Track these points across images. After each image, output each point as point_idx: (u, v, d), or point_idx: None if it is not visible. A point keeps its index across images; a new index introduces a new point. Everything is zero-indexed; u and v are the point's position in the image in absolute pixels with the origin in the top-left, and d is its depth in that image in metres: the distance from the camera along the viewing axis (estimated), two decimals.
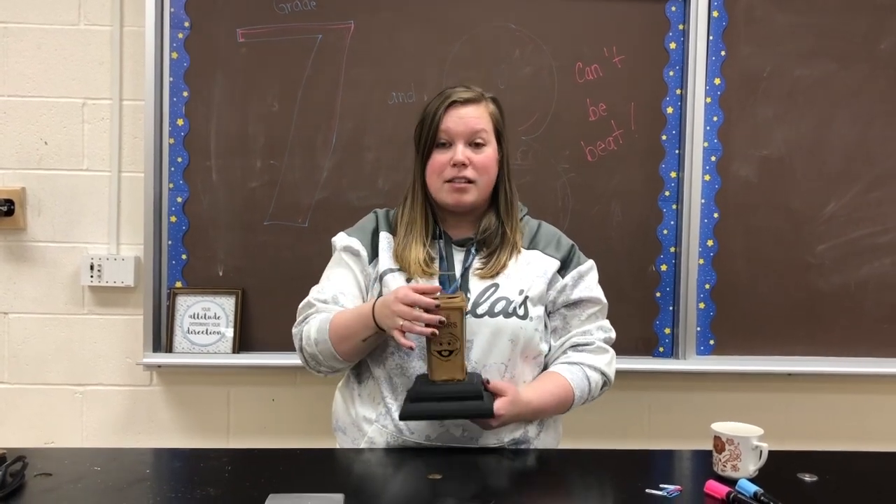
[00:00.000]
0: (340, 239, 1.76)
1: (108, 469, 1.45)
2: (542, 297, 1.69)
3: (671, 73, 2.35)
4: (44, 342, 2.38)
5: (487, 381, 1.56)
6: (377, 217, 1.78)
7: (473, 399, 1.51)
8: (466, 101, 1.69)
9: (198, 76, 2.30)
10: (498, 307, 1.64)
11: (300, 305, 1.73)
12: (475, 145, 1.67)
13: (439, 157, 1.67)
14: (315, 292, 1.72)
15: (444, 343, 1.50)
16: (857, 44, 2.37)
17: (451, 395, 1.50)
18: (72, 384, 2.39)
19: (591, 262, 1.77)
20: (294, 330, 1.72)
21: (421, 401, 1.51)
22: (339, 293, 1.69)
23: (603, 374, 1.71)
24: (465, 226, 1.74)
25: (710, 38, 2.34)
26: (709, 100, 2.35)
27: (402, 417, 1.53)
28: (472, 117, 1.68)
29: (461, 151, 1.65)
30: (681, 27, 2.34)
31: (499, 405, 1.53)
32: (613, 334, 1.76)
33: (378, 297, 1.60)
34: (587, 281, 1.74)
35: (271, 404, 2.42)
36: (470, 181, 1.66)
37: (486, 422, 1.56)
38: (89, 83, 2.34)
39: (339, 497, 1.00)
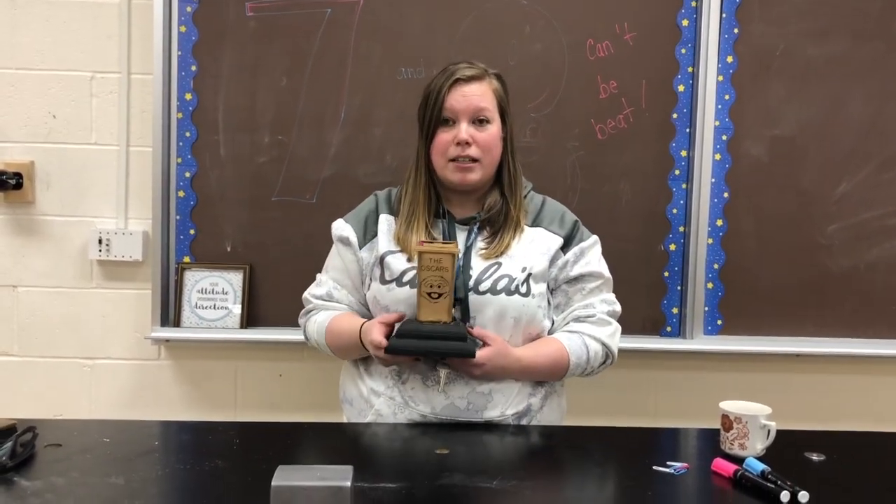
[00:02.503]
0: (336, 227, 1.80)
1: (117, 441, 1.46)
2: (544, 275, 1.69)
3: (683, 51, 2.33)
4: (53, 316, 2.39)
5: (472, 326, 1.61)
6: (377, 199, 1.80)
7: (457, 340, 1.56)
8: (470, 79, 1.68)
9: (206, 50, 2.29)
10: (500, 285, 1.64)
11: (303, 295, 1.83)
12: (479, 123, 1.67)
13: (443, 136, 1.67)
14: (314, 286, 1.81)
15: (434, 285, 1.55)
16: (872, 22, 2.33)
17: (435, 334, 1.56)
18: (81, 357, 2.40)
19: (594, 238, 1.77)
20: (300, 321, 1.84)
21: (407, 338, 1.57)
22: (333, 288, 1.78)
23: (604, 345, 1.70)
24: (468, 204, 1.74)
25: (723, 15, 2.31)
26: (721, 78, 2.33)
27: (388, 351, 1.56)
28: (475, 95, 1.67)
29: (465, 130, 1.65)
30: (693, 4, 2.31)
31: (482, 353, 1.57)
32: (618, 307, 1.76)
33: (364, 323, 1.66)
34: (589, 256, 1.73)
35: (278, 380, 2.43)
36: (474, 160, 1.66)
37: (469, 369, 1.59)
38: (98, 57, 2.33)
39: (349, 469, 1.00)
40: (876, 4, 2.33)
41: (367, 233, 1.75)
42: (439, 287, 1.55)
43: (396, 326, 1.60)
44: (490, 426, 1.62)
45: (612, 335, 1.73)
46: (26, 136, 2.33)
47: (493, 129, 1.68)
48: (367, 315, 1.73)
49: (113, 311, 2.39)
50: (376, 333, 1.57)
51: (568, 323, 1.73)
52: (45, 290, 2.38)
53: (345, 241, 1.75)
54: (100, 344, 2.40)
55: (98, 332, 2.40)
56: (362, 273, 1.75)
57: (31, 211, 2.36)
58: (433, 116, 1.68)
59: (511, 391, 1.65)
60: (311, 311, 1.80)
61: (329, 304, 1.77)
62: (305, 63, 2.29)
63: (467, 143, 1.65)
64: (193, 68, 2.29)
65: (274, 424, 1.64)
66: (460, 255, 1.65)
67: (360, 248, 1.74)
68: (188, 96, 2.29)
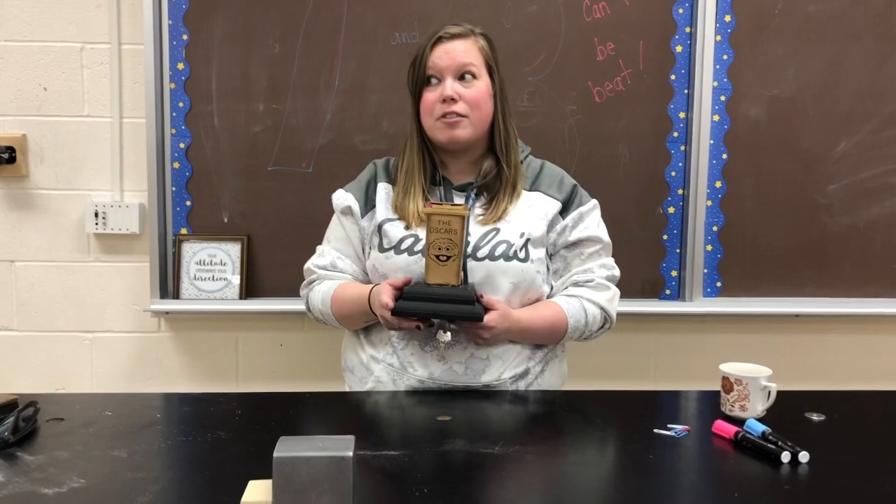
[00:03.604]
0: (337, 197, 1.78)
1: (119, 414, 1.47)
2: (542, 240, 1.69)
3: (680, 11, 2.29)
4: (51, 290, 2.38)
5: (481, 296, 1.59)
6: (375, 167, 1.79)
7: (465, 303, 1.54)
8: (454, 37, 1.67)
9: (197, 18, 2.25)
10: (499, 251, 1.63)
11: (305, 266, 1.80)
12: (465, 79, 1.65)
13: (429, 95, 1.66)
14: (316, 256, 1.79)
15: (442, 248, 1.54)
16: None
17: (444, 297, 1.54)
18: (80, 331, 2.40)
19: (593, 202, 1.76)
20: (301, 292, 1.82)
21: (415, 300, 1.54)
22: (337, 258, 1.76)
23: (603, 309, 1.70)
24: (465, 170, 1.73)
25: None
26: (719, 38, 2.30)
27: (394, 313, 1.54)
28: (459, 51, 1.65)
29: (450, 86, 1.63)
30: None
31: (490, 317, 1.56)
32: (617, 272, 1.75)
33: (374, 286, 1.63)
34: (587, 221, 1.73)
35: (279, 349, 2.43)
36: (461, 115, 1.64)
37: (477, 333, 1.57)
38: (87, 27, 2.30)
39: (350, 438, 1.00)
40: None
41: (368, 202, 1.74)
42: (448, 249, 1.53)
43: (404, 290, 1.58)
44: (491, 393, 1.63)
45: (611, 300, 1.72)
46: (17, 110, 2.31)
47: (482, 85, 1.66)
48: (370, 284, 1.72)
49: (111, 284, 2.39)
50: (385, 295, 1.55)
51: (567, 288, 1.72)
52: (43, 265, 2.38)
53: (347, 211, 1.74)
54: (99, 317, 2.40)
55: (97, 306, 2.40)
56: (364, 242, 1.74)
57: (26, 185, 2.34)
58: (419, 77, 1.67)
59: (510, 356, 1.65)
60: (313, 281, 1.78)
61: (333, 273, 1.75)
62: (298, 30, 2.26)
63: (453, 100, 1.63)
64: (185, 37, 2.26)
65: (275, 395, 1.65)
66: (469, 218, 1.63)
67: (362, 217, 1.73)
68: (180, 66, 2.27)
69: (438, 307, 1.53)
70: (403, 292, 1.56)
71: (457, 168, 1.73)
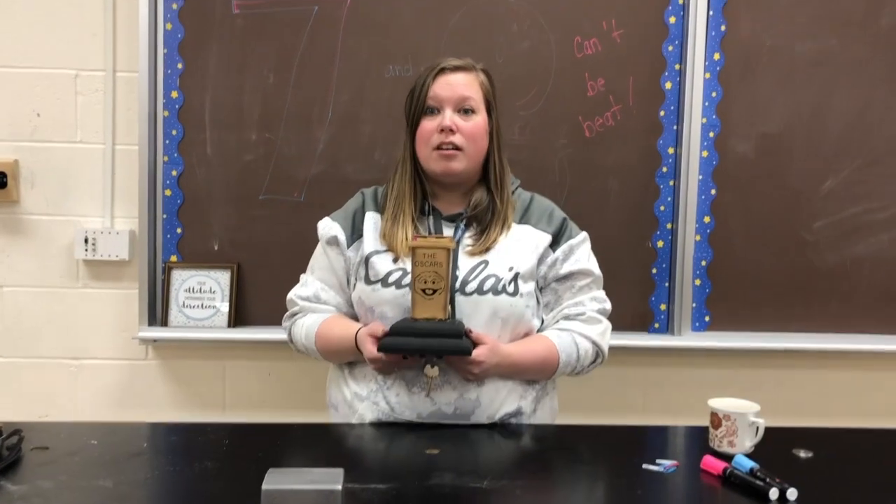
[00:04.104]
0: (323, 226, 1.76)
1: (105, 443, 1.45)
2: (532, 273, 1.68)
3: (670, 48, 2.33)
4: (38, 316, 2.37)
5: (469, 330, 1.57)
6: (363, 197, 1.77)
7: (453, 337, 1.52)
8: (456, 69, 1.68)
9: (192, 48, 2.27)
10: (487, 285, 1.62)
11: (288, 297, 1.78)
12: (464, 113, 1.66)
13: (427, 124, 1.66)
14: (299, 286, 1.78)
15: (428, 281, 1.52)
16: (858, 20, 2.34)
17: (431, 331, 1.52)
18: (67, 358, 2.39)
19: (583, 234, 1.75)
20: (284, 324, 1.80)
21: (402, 335, 1.52)
22: (321, 289, 1.74)
23: (594, 343, 1.69)
24: (455, 200, 1.72)
25: (710, 12, 2.31)
26: (708, 75, 2.33)
27: (380, 349, 1.53)
28: (460, 84, 1.66)
29: (449, 117, 1.64)
30: (680, 1, 2.31)
31: (479, 351, 1.54)
32: (609, 305, 1.74)
33: (360, 328, 1.62)
34: (578, 253, 1.72)
35: (267, 379, 2.42)
36: (458, 148, 1.64)
37: (467, 369, 1.55)
38: (82, 54, 2.31)
39: (339, 471, 1.00)
40: (860, 1, 2.34)
41: (355, 231, 1.72)
42: (433, 283, 1.52)
43: (390, 326, 1.56)
44: (479, 425, 1.61)
45: (603, 333, 1.71)
46: (10, 135, 2.31)
47: (479, 120, 1.67)
48: (355, 316, 1.71)
49: (99, 311, 2.38)
50: (370, 345, 1.54)
51: (558, 321, 1.71)
52: (31, 290, 2.36)
53: (332, 241, 1.72)
54: (86, 344, 2.39)
55: (85, 333, 2.38)
56: (349, 273, 1.72)
57: (16, 210, 2.33)
58: (418, 105, 1.67)
59: (500, 395, 1.62)
60: (296, 313, 1.76)
61: (316, 305, 1.73)
62: (292, 60, 2.28)
63: (451, 130, 1.63)
64: (180, 66, 2.27)
65: (263, 426, 1.64)
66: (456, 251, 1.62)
67: (349, 247, 1.72)
68: (174, 94, 2.28)
69: (426, 342, 1.52)
70: (391, 328, 1.55)
71: (447, 199, 1.73)
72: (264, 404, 2.42)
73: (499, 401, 1.62)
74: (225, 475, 1.32)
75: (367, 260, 1.67)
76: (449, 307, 1.55)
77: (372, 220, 1.72)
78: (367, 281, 1.65)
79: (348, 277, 1.72)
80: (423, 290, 1.52)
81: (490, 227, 1.68)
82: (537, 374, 1.68)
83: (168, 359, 2.41)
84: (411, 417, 1.60)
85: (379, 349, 1.53)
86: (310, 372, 2.34)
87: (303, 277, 1.79)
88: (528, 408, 1.67)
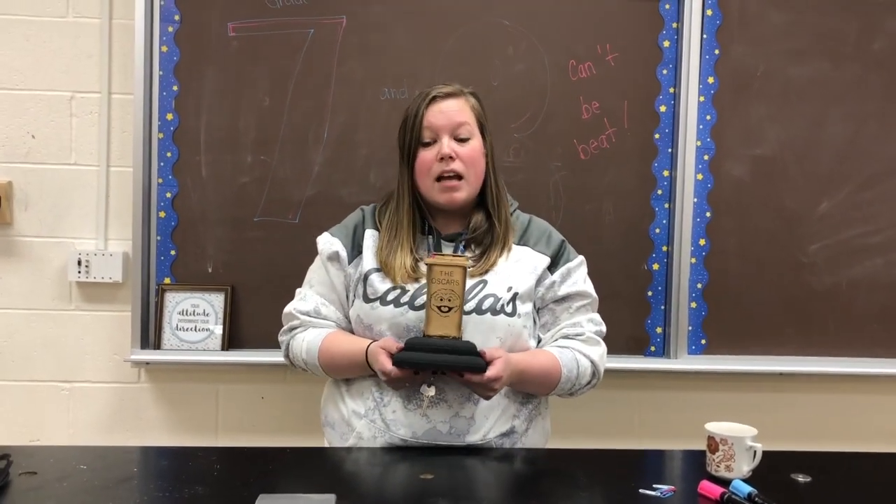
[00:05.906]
0: (323, 242, 1.75)
1: (95, 468, 1.43)
2: (530, 294, 1.68)
3: (664, 72, 2.34)
4: (30, 338, 2.35)
5: (483, 353, 1.55)
6: (363, 213, 1.77)
7: (468, 354, 1.51)
8: (447, 96, 1.68)
9: (188, 70, 2.28)
10: (486, 304, 1.62)
11: (284, 311, 1.76)
12: (460, 140, 1.66)
13: (426, 155, 1.66)
14: (298, 300, 1.75)
15: (444, 299, 1.52)
16: (851, 43, 2.37)
17: (447, 348, 1.51)
18: (58, 381, 2.37)
19: (580, 258, 1.76)
20: (280, 338, 1.78)
21: (416, 350, 1.52)
22: (321, 304, 1.73)
23: (593, 364, 1.69)
24: (454, 222, 1.73)
25: (704, 36, 2.33)
26: (702, 98, 2.34)
27: (396, 363, 1.51)
28: (453, 110, 1.67)
29: (447, 145, 1.64)
30: (675, 25, 2.33)
31: (495, 366, 1.52)
32: (604, 328, 1.75)
33: (371, 343, 1.60)
34: (575, 276, 1.73)
35: (260, 402, 2.40)
36: (459, 176, 1.65)
37: (484, 391, 1.54)
38: (78, 76, 2.31)
39: (331, 497, 0.98)
40: (853, 26, 2.36)
41: (356, 247, 1.72)
42: (449, 300, 1.51)
43: (405, 342, 1.55)
44: (474, 450, 1.60)
45: (602, 356, 1.72)
46: (4, 157, 2.31)
47: (476, 144, 1.68)
48: (352, 332, 1.71)
49: (92, 333, 2.36)
50: (384, 359, 1.53)
51: (556, 340, 1.71)
52: (23, 312, 2.35)
53: (334, 257, 1.71)
54: (78, 367, 2.37)
55: (77, 355, 2.36)
56: (348, 289, 1.72)
57: (9, 232, 2.33)
58: (413, 137, 1.67)
59: (494, 414, 1.63)
60: (295, 327, 1.74)
61: (316, 320, 1.72)
62: (288, 83, 2.28)
63: (451, 158, 1.64)
64: (175, 88, 2.28)
65: (255, 450, 1.62)
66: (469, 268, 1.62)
67: (349, 263, 1.71)
68: (169, 116, 2.28)
69: (441, 358, 1.51)
70: (406, 343, 1.54)
71: (445, 220, 1.73)
72: (258, 428, 2.40)
73: (493, 419, 1.62)
74: (216, 500, 1.30)
75: (365, 277, 1.67)
76: (461, 326, 1.55)
77: (371, 238, 1.72)
78: (366, 299, 1.65)
79: (347, 293, 1.72)
80: (440, 308, 1.52)
81: (490, 249, 1.69)
82: (539, 386, 1.67)
83: (161, 382, 2.39)
84: (406, 435, 1.60)
85: (394, 363, 1.51)
86: (303, 395, 2.33)
87: (300, 291, 1.77)
88: (520, 427, 1.67)
